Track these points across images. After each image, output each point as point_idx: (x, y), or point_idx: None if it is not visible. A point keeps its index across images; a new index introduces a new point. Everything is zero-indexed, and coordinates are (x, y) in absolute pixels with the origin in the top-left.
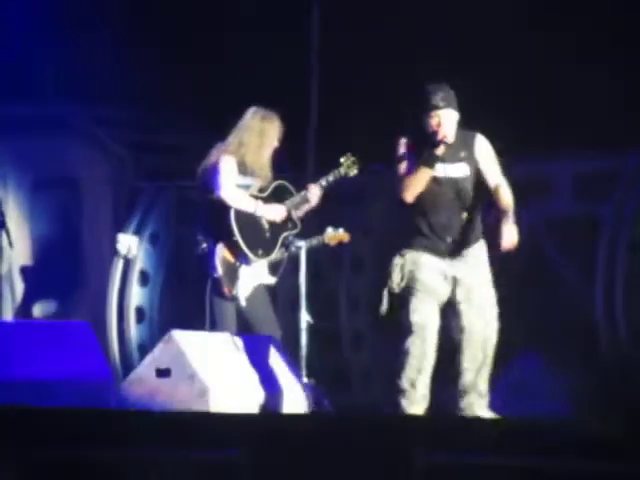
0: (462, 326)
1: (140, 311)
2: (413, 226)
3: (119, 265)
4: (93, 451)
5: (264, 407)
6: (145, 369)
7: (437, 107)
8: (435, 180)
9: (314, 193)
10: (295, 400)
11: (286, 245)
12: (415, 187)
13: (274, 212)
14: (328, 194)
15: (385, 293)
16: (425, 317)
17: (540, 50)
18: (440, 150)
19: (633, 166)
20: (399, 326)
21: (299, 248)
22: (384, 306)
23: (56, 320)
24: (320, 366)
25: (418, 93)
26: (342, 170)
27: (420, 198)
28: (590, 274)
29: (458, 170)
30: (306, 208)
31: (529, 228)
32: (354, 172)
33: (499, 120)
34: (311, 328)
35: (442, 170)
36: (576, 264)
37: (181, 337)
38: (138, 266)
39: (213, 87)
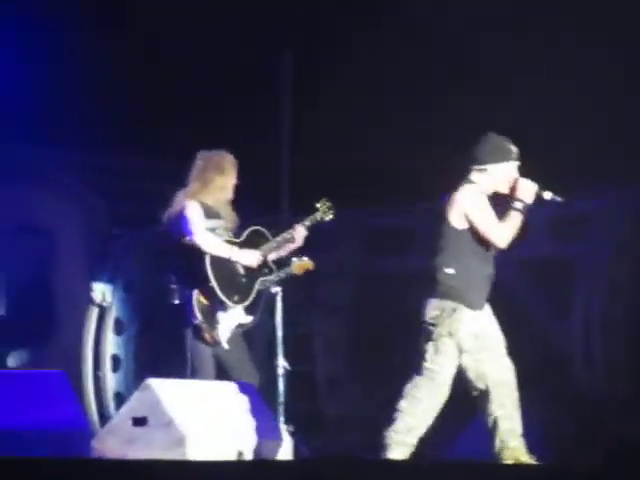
0: (482, 374)
1: (116, 359)
2: (463, 272)
3: (94, 313)
4: None
5: (242, 454)
6: (122, 418)
7: (518, 158)
8: None
9: (299, 232)
10: (274, 447)
11: (262, 290)
12: (512, 234)
13: (250, 257)
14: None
15: (424, 334)
16: (450, 373)
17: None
18: (529, 198)
19: (606, 206)
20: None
21: (276, 293)
22: (423, 347)
23: (31, 370)
24: (297, 411)
25: (484, 142)
26: (318, 215)
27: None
28: (567, 313)
29: None
30: (291, 248)
31: (503, 267)
32: (330, 217)
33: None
34: (287, 374)
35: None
36: (551, 304)
37: (157, 385)
38: (113, 314)
39: (183, 132)
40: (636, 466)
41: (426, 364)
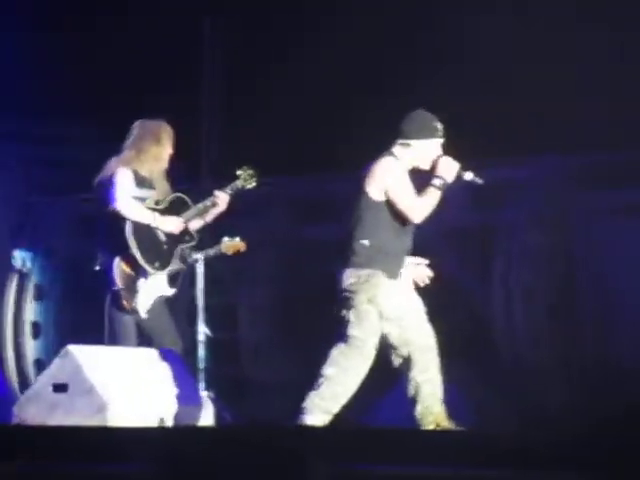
0: (406, 340)
1: (36, 326)
2: (377, 244)
3: (14, 280)
4: None
5: (164, 421)
6: (42, 385)
7: (442, 135)
8: None
9: (222, 199)
10: (195, 413)
11: (183, 257)
12: (428, 210)
13: (171, 224)
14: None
15: (340, 301)
16: (373, 340)
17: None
18: (450, 176)
19: (525, 175)
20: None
21: (196, 260)
22: (341, 315)
23: None
24: (220, 378)
25: (409, 117)
26: (239, 183)
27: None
28: (489, 282)
29: None
30: (215, 213)
31: (426, 239)
32: (252, 185)
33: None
34: (210, 340)
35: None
36: (473, 273)
37: (78, 351)
38: (33, 281)
39: (103, 96)
40: (552, 433)
41: (351, 332)
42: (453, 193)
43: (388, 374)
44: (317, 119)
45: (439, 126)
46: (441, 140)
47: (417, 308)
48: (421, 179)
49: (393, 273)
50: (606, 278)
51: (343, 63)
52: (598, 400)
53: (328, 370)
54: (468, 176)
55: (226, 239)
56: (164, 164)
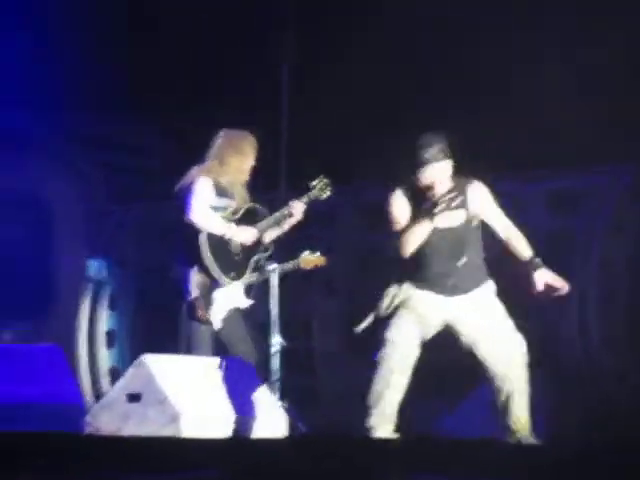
0: (482, 361)
1: (111, 335)
2: (410, 270)
3: (89, 288)
4: (63, 476)
5: (237, 431)
6: (116, 394)
7: (430, 161)
8: (432, 231)
9: (298, 208)
10: (270, 423)
11: (259, 268)
12: (415, 242)
13: (245, 235)
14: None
15: (371, 315)
16: (401, 334)
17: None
18: (441, 204)
19: (605, 184)
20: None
21: (272, 271)
22: (363, 324)
23: (26, 344)
24: (293, 389)
25: (409, 145)
26: (314, 193)
27: (417, 249)
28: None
29: (454, 218)
30: (291, 223)
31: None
32: (326, 194)
33: (473, 144)
34: (284, 350)
35: (439, 220)
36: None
37: (152, 361)
38: (108, 290)
39: (181, 107)
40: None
41: (386, 334)
42: (532, 198)
43: (456, 386)
44: (390, 129)
45: (425, 152)
46: (434, 164)
47: (491, 334)
48: None
49: (425, 287)
50: None
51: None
52: None
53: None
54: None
55: (307, 253)
56: (246, 175)
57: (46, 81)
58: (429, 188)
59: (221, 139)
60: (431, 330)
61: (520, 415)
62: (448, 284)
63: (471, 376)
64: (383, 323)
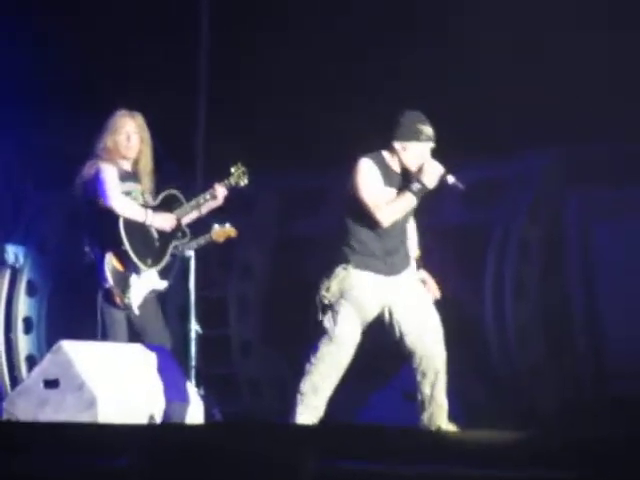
0: (406, 346)
1: (28, 321)
2: (356, 243)
3: (6, 275)
4: None
5: (154, 417)
6: (33, 380)
7: (431, 139)
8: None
9: (220, 192)
10: (186, 410)
11: (176, 254)
12: (397, 214)
13: (164, 221)
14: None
15: (318, 301)
16: (345, 332)
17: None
18: (427, 182)
19: (517, 172)
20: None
21: (189, 257)
22: (319, 315)
23: None
24: (209, 375)
25: (397, 118)
26: (233, 180)
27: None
28: (479, 280)
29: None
30: (212, 207)
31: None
32: (244, 182)
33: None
34: (200, 337)
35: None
36: (464, 270)
37: (70, 347)
38: (26, 276)
39: (100, 88)
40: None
41: (325, 324)
42: (448, 189)
43: (378, 372)
44: (309, 115)
45: (427, 129)
46: (428, 144)
47: (420, 314)
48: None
49: (366, 266)
50: (597, 280)
51: (334, 58)
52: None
53: (306, 364)
54: (450, 179)
55: (216, 226)
56: (133, 152)
57: None
58: (411, 163)
59: (107, 122)
60: (369, 315)
61: (442, 401)
62: (389, 262)
63: (390, 364)
64: (329, 311)
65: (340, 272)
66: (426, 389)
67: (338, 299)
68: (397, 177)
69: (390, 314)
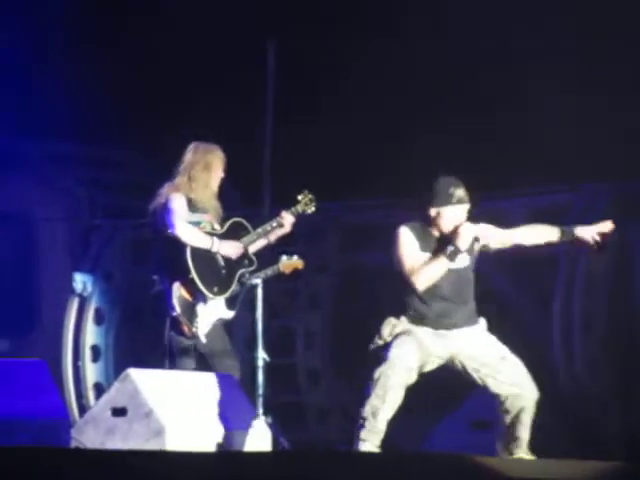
0: (490, 390)
1: (96, 349)
2: (408, 305)
3: (74, 303)
4: None
5: (221, 445)
6: (101, 408)
7: (463, 201)
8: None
9: (287, 219)
10: (253, 438)
11: (242, 282)
12: (432, 278)
13: (230, 248)
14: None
15: (371, 347)
16: (401, 355)
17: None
18: (461, 245)
19: (585, 201)
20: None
21: (256, 285)
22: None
23: (11, 359)
24: (276, 404)
25: (431, 184)
26: (300, 207)
27: None
28: (547, 308)
29: (460, 261)
30: (279, 234)
31: (482, 263)
32: (311, 209)
33: (460, 165)
34: (267, 365)
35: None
36: (532, 299)
37: (137, 375)
38: (93, 304)
39: (169, 125)
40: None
41: (387, 353)
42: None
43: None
44: (372, 146)
45: (458, 192)
46: (462, 206)
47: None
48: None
49: (421, 324)
50: None
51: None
52: None
53: (364, 389)
54: (478, 243)
55: (284, 257)
56: (214, 189)
57: (31, 102)
58: (446, 226)
59: (190, 154)
60: (433, 360)
61: (524, 434)
62: (445, 322)
63: (454, 395)
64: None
65: (393, 320)
66: (507, 421)
67: (399, 336)
68: (435, 242)
69: (463, 365)
